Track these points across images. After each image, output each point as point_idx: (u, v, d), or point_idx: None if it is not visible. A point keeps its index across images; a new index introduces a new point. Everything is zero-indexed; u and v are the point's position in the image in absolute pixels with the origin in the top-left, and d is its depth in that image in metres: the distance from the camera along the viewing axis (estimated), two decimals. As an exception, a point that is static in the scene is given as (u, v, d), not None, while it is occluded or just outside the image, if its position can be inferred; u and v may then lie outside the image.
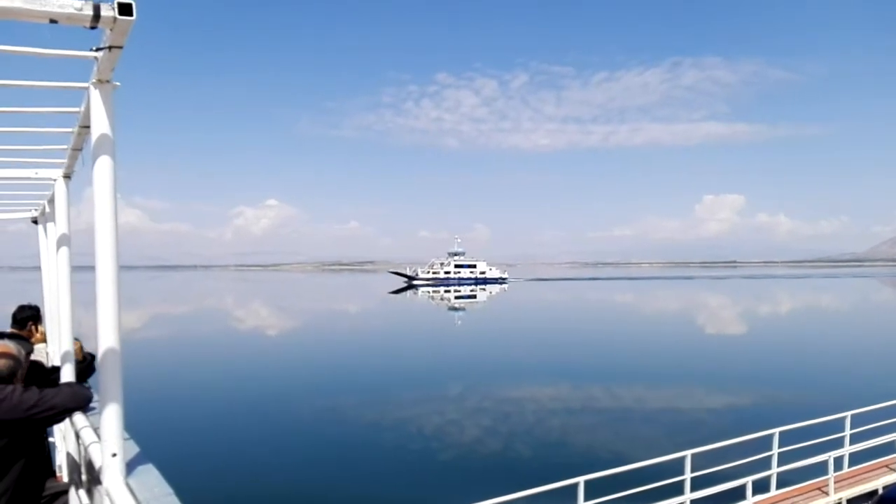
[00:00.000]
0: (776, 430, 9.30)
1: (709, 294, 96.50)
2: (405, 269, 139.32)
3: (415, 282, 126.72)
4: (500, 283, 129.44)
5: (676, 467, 8.34)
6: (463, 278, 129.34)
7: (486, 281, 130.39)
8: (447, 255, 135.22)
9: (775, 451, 9.19)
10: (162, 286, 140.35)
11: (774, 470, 9.16)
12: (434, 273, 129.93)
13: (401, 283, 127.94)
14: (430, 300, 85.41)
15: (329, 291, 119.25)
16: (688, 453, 8.37)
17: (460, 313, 62.83)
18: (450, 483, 12.85)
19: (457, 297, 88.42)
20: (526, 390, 21.89)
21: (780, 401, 19.85)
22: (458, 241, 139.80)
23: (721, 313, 61.25)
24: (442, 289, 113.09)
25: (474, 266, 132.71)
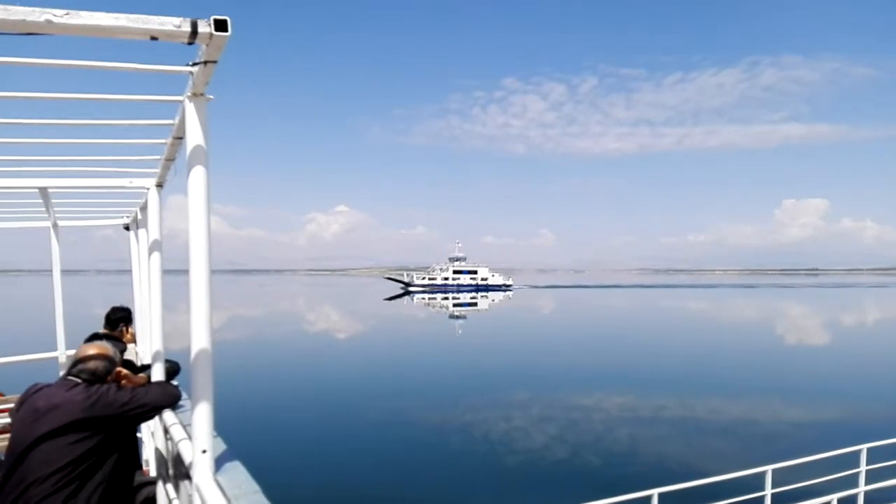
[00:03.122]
0: (864, 447, 8.81)
1: (788, 303, 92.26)
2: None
3: (410, 288, 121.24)
4: (504, 291, 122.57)
5: (756, 483, 8.02)
6: (462, 285, 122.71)
7: (487, 288, 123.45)
8: (448, 261, 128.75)
9: (863, 468, 8.70)
10: (238, 289, 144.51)
11: (862, 488, 8.67)
12: (431, 279, 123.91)
13: (398, 288, 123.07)
14: (429, 307, 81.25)
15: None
16: (768, 468, 8.02)
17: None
18: (520, 490, 12.76)
19: (455, 305, 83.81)
20: (592, 399, 21.49)
21: (868, 415, 18.80)
22: (459, 245, 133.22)
23: (802, 323, 58.52)
24: (439, 296, 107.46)
25: (475, 272, 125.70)
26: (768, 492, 7.95)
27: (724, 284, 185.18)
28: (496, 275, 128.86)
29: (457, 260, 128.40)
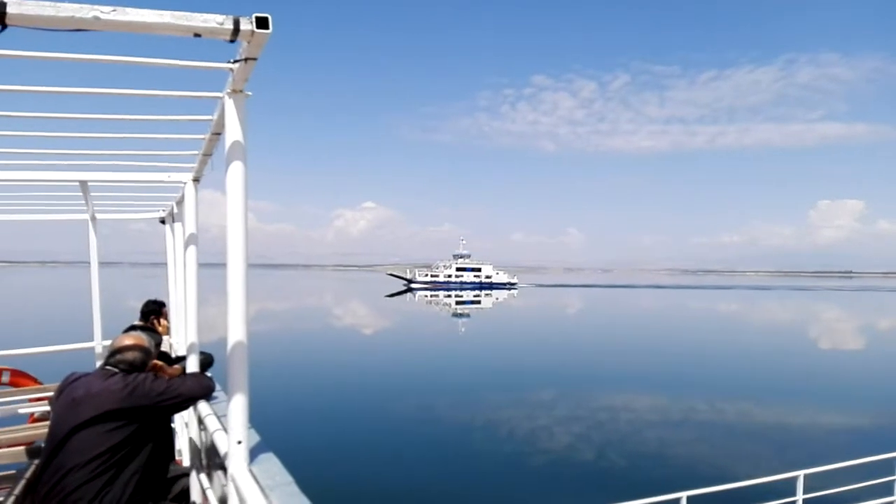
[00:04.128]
0: (901, 454, 8.62)
1: (822, 305, 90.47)
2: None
3: (413, 285, 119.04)
4: (509, 289, 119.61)
5: (787, 488, 7.89)
6: (465, 282, 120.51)
7: (492, 286, 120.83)
8: (452, 258, 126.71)
9: (900, 475, 8.52)
10: (268, 283, 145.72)
11: (898, 496, 8.50)
12: (433, 276, 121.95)
13: (400, 285, 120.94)
14: (429, 304, 79.87)
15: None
16: (800, 473, 7.89)
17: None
18: (545, 488, 12.72)
19: (458, 303, 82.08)
20: (616, 400, 21.29)
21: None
22: (464, 241, 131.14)
23: (836, 326, 57.35)
24: (441, 293, 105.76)
25: (479, 270, 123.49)
26: (800, 497, 7.82)
27: (755, 286, 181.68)
28: (501, 272, 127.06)
29: (461, 257, 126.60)
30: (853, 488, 8.24)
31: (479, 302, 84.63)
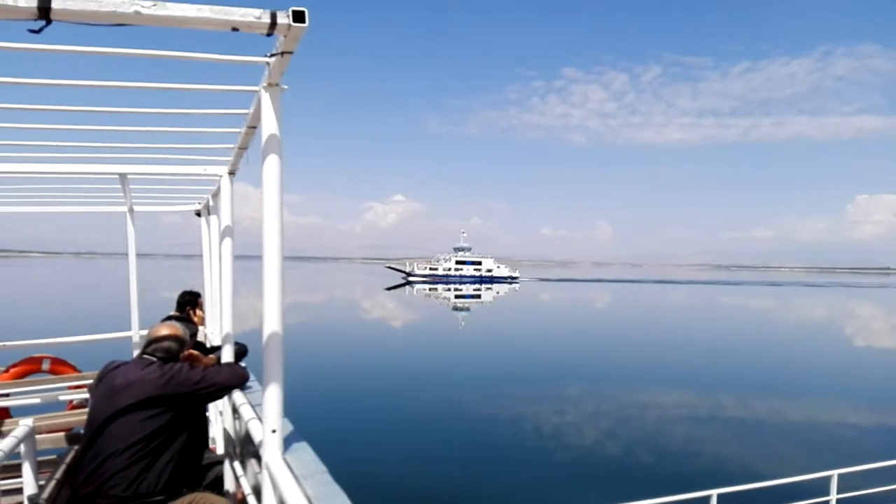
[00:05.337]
0: (939, 455, 8.41)
1: (858, 302, 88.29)
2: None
3: (411, 278, 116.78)
4: (510, 283, 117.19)
5: (820, 487, 7.76)
6: (465, 276, 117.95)
7: (492, 280, 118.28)
8: (452, 251, 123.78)
9: (938, 477, 8.32)
10: (297, 276, 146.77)
11: (936, 498, 8.30)
12: (432, 269, 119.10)
13: (399, 278, 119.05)
14: (428, 297, 78.47)
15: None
16: (834, 473, 7.74)
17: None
18: (573, 484, 12.69)
19: (457, 297, 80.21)
20: (646, 395, 21.09)
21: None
22: (464, 234, 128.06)
23: (872, 324, 56.02)
24: (440, 286, 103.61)
25: (479, 263, 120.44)
26: (833, 497, 7.68)
27: (789, 282, 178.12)
28: (501, 266, 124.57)
29: (461, 250, 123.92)
30: (890, 489, 8.07)
31: (479, 296, 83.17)
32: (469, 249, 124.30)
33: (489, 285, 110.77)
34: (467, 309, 62.70)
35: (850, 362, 31.41)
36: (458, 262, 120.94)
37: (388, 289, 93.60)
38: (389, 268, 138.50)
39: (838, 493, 7.70)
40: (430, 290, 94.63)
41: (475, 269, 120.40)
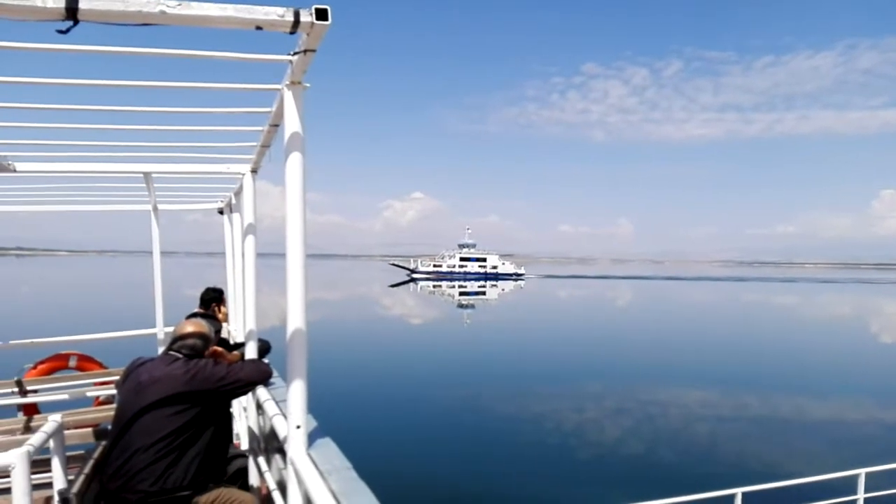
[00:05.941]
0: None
1: (884, 299, 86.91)
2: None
3: (415, 275, 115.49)
4: (516, 280, 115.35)
5: (847, 486, 7.65)
6: (469, 273, 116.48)
7: (497, 276, 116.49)
8: (457, 247, 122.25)
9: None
10: (317, 273, 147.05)
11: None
12: (436, 266, 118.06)
13: (403, 275, 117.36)
14: (432, 295, 77.59)
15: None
16: (861, 471, 7.63)
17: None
18: (595, 481, 12.63)
19: (461, 294, 78.86)
20: (668, 393, 20.92)
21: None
22: (469, 231, 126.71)
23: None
24: (444, 283, 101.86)
25: (484, 260, 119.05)
26: (861, 496, 7.58)
27: (812, 279, 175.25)
28: (507, 263, 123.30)
29: (465, 247, 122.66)
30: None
31: (483, 293, 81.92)
32: (474, 246, 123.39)
33: (494, 282, 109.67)
34: (472, 306, 62.01)
35: (876, 359, 30.91)
36: (462, 259, 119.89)
37: (392, 286, 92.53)
38: (393, 265, 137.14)
39: (866, 492, 7.60)
40: (434, 286, 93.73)
41: (480, 266, 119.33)
